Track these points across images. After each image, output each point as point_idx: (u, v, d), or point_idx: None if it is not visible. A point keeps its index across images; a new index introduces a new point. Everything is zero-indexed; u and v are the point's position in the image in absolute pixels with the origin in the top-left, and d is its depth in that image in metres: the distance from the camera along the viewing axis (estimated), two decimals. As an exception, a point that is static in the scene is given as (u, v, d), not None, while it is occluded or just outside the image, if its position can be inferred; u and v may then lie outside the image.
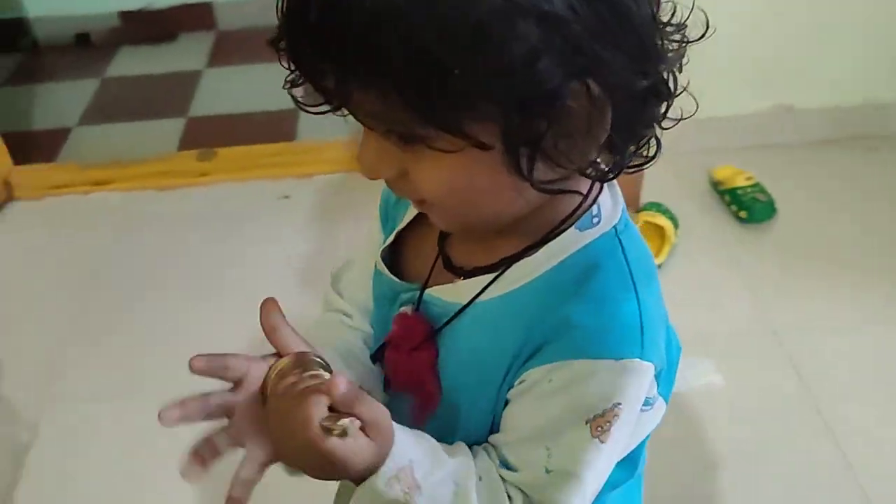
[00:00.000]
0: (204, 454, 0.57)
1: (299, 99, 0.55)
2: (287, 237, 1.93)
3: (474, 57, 0.44)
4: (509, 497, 0.57)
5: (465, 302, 0.61)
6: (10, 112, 2.50)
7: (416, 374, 0.64)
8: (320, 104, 0.52)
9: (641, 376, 0.56)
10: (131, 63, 2.76)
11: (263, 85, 2.52)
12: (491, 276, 0.60)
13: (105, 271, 1.88)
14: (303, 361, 0.58)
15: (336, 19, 0.45)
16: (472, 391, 0.62)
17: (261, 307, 0.58)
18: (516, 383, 0.59)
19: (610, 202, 0.60)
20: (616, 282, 0.58)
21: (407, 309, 0.65)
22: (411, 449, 0.55)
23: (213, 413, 0.58)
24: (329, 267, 0.78)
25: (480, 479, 0.57)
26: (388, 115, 0.48)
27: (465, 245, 0.64)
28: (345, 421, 0.50)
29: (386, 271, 0.67)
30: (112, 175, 2.14)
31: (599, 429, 0.57)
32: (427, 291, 0.64)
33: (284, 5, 0.48)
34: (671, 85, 0.52)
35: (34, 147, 2.31)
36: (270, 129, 2.31)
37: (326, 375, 0.57)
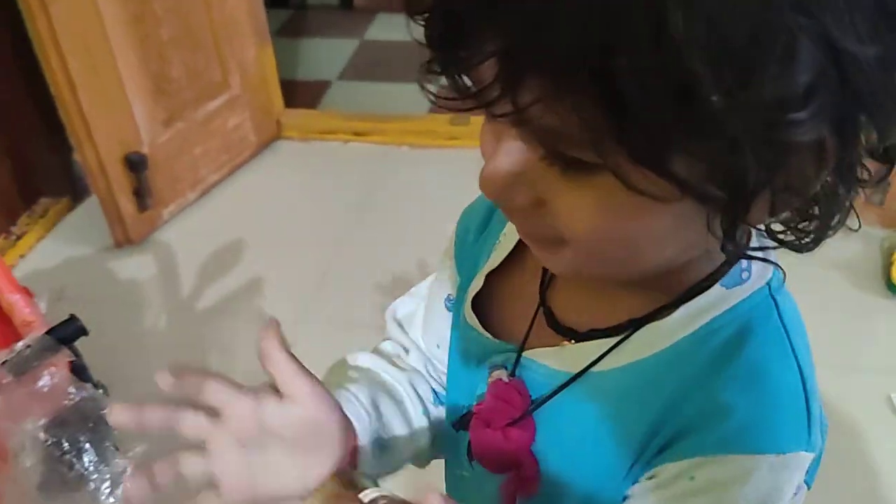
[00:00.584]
0: (159, 473, 0.47)
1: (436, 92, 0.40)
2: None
3: (737, 79, 0.31)
4: None
5: (576, 371, 0.49)
6: (278, 60, 2.69)
7: (510, 454, 0.53)
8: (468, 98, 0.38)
9: (803, 469, 0.46)
10: (388, 28, 2.88)
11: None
12: (612, 341, 0.49)
13: (361, 213, 1.98)
14: (349, 482, 0.51)
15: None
16: (579, 482, 0.51)
17: (260, 331, 0.48)
18: (643, 478, 0.48)
19: (760, 252, 0.47)
20: (775, 351, 0.47)
21: (502, 375, 0.53)
22: None
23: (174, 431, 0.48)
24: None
25: None
26: (569, 132, 0.35)
27: (575, 298, 0.52)
28: None
29: (479, 327, 0.55)
30: (370, 127, 2.25)
31: None
32: (525, 354, 0.52)
33: None
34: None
35: (298, 93, 2.47)
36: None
37: (381, 494, 0.50)
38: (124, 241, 1.87)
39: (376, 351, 0.65)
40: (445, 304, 0.62)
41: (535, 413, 0.51)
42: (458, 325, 0.59)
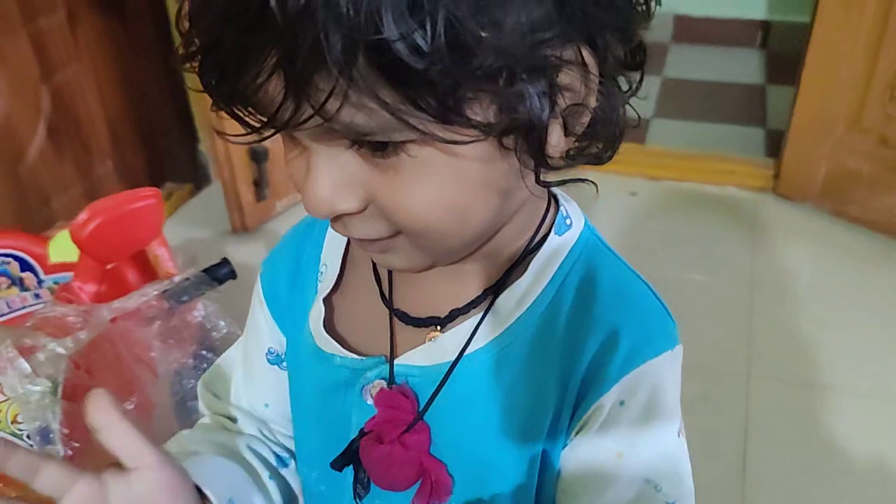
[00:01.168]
0: None
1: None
2: (630, 228, 1.99)
3: (493, 15, 0.34)
4: None
5: (452, 358, 0.48)
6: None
7: (413, 463, 0.50)
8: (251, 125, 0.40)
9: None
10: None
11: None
12: (476, 317, 0.48)
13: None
14: None
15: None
16: (489, 464, 0.49)
17: (87, 403, 0.43)
18: (574, 434, 0.48)
19: (564, 201, 0.51)
20: (620, 272, 0.50)
21: (382, 385, 0.51)
22: None
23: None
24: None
25: None
26: (373, 119, 0.36)
27: (424, 291, 0.51)
28: None
29: (341, 350, 0.52)
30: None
31: (681, 430, 0.50)
32: (397, 362, 0.50)
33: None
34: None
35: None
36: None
37: None
38: (240, 227, 2.00)
39: (201, 425, 0.61)
40: (267, 360, 0.59)
41: (426, 416, 0.49)
42: (301, 366, 0.56)
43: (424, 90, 0.34)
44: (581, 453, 0.48)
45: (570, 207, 0.52)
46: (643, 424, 0.47)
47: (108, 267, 0.94)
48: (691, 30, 2.87)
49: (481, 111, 0.36)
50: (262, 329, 0.59)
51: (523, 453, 0.48)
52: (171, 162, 2.18)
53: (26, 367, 0.74)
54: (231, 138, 0.41)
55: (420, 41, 0.32)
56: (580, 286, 0.49)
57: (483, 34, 0.33)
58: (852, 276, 1.77)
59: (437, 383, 0.48)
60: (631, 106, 0.44)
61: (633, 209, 2.05)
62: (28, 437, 0.78)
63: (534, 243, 0.49)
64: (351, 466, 0.52)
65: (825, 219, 1.93)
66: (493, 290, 0.49)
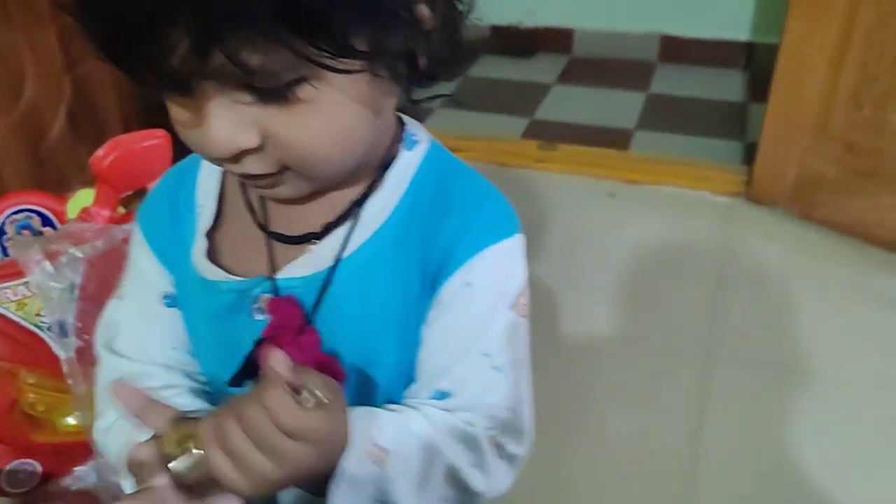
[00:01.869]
0: None
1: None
2: (608, 228, 2.11)
3: None
4: (470, 423, 0.55)
5: (329, 265, 0.55)
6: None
7: (309, 361, 0.54)
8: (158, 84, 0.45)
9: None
10: (493, 68, 3.13)
11: (605, 104, 2.78)
12: (345, 228, 0.55)
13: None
14: (181, 422, 0.49)
15: None
16: (374, 351, 0.57)
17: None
18: (430, 314, 0.56)
19: (407, 122, 0.59)
20: (467, 175, 0.59)
21: (268, 297, 0.56)
22: (360, 417, 0.51)
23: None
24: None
25: (431, 423, 0.54)
26: (256, 65, 0.42)
27: (297, 214, 0.57)
28: (313, 391, 0.46)
29: (225, 275, 0.57)
30: (464, 145, 2.45)
31: (521, 306, 0.58)
32: (278, 277, 0.56)
33: None
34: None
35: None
36: (605, 140, 2.52)
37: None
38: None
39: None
40: (165, 304, 0.62)
41: (314, 319, 0.55)
42: (191, 301, 0.60)
43: (321, 31, 0.41)
44: (435, 330, 0.56)
45: (414, 127, 0.60)
46: (484, 301, 0.56)
47: (123, 196, 1.07)
48: (677, 50, 3.01)
49: (365, 44, 0.44)
50: (150, 276, 0.62)
51: (400, 338, 0.56)
52: (177, 149, 2.31)
53: (50, 268, 0.87)
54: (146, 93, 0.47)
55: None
56: (434, 191, 0.57)
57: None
58: (818, 274, 1.89)
59: (319, 289, 0.55)
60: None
61: (610, 209, 2.18)
62: (49, 328, 0.90)
63: (389, 159, 0.57)
64: (249, 381, 0.56)
65: (794, 222, 2.05)
66: (358, 203, 0.56)
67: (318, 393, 0.45)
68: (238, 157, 0.48)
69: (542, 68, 3.09)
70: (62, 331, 0.88)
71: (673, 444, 1.46)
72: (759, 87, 2.81)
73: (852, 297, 1.80)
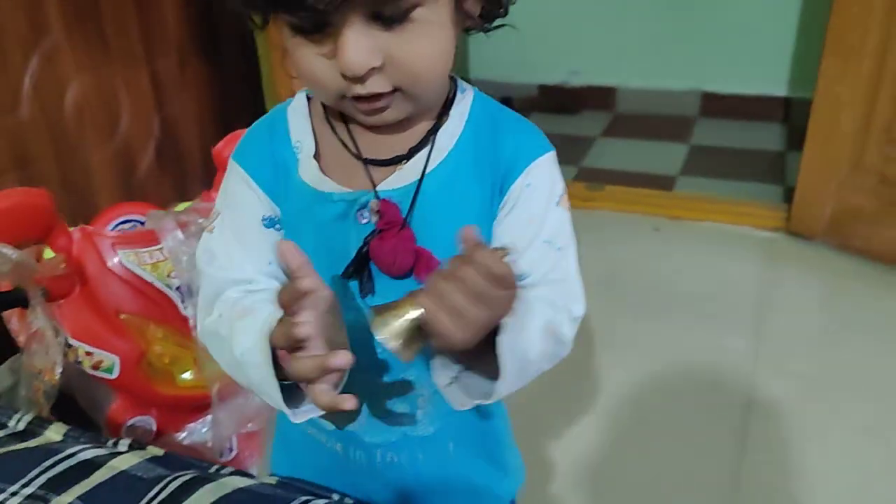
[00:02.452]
0: None
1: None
2: (653, 260, 2.22)
3: None
4: (545, 293, 0.68)
5: (417, 178, 0.68)
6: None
7: (409, 250, 0.67)
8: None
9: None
10: (541, 123, 3.27)
11: (649, 154, 2.92)
12: (425, 150, 0.69)
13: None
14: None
15: None
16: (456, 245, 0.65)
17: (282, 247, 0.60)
18: (501, 213, 0.70)
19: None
20: (509, 112, 0.74)
21: (376, 202, 0.68)
22: None
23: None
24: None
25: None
26: None
27: (384, 143, 0.69)
28: (501, 248, 0.58)
29: (337, 186, 0.69)
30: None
31: (565, 203, 0.73)
32: (378, 188, 0.68)
33: None
34: None
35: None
36: (650, 184, 2.64)
37: None
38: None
39: (238, 296, 0.70)
40: (263, 226, 0.72)
41: (409, 221, 0.68)
42: (300, 215, 0.70)
43: None
44: (505, 225, 0.71)
45: (460, 81, 0.75)
46: (540, 199, 0.70)
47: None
48: (718, 105, 3.15)
49: None
50: (250, 203, 0.72)
51: (480, 232, 0.65)
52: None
53: (181, 235, 1.01)
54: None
55: None
56: (488, 121, 0.72)
57: None
58: (855, 301, 1.96)
59: (412, 195, 0.69)
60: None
61: (655, 242, 2.29)
62: (178, 288, 1.04)
63: (449, 99, 0.72)
64: (360, 273, 0.69)
65: (832, 252, 2.14)
66: (433, 131, 0.70)
67: (503, 251, 0.57)
68: (365, 76, 0.61)
69: (587, 123, 3.26)
70: (189, 291, 1.02)
71: (713, 485, 1.47)
72: (797, 138, 2.92)
73: (892, 326, 1.87)
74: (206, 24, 2.30)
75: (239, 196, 0.73)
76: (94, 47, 1.94)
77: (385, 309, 0.58)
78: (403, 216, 0.68)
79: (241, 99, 2.42)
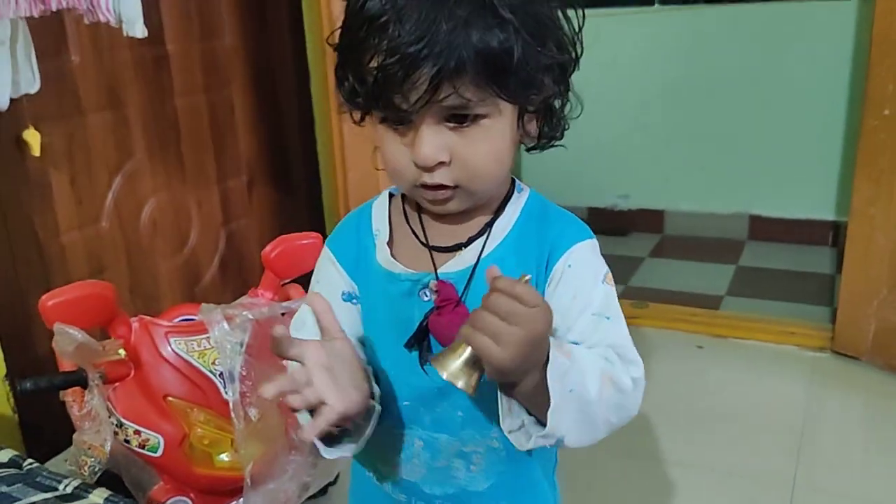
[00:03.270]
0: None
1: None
2: (694, 373, 2.23)
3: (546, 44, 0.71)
4: (605, 358, 0.73)
5: (472, 263, 0.77)
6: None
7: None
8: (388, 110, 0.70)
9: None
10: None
11: (696, 274, 2.96)
12: (482, 240, 0.78)
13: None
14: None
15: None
16: None
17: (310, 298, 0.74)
18: (546, 290, 0.76)
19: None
20: (558, 209, 0.83)
21: (435, 282, 0.77)
22: None
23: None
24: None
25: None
26: (471, 101, 0.67)
27: (445, 231, 0.79)
28: (523, 276, 0.65)
29: (404, 268, 0.79)
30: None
31: (610, 280, 0.80)
32: (439, 271, 0.78)
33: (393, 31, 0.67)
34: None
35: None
36: (695, 303, 2.68)
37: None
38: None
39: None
40: (342, 299, 0.83)
41: (464, 300, 0.77)
42: (375, 292, 0.81)
43: (511, 83, 0.70)
44: (552, 302, 0.74)
45: (518, 182, 0.85)
46: (584, 277, 0.79)
47: (282, 283, 1.33)
48: (766, 229, 3.20)
49: (536, 98, 0.74)
50: (335, 280, 0.84)
51: None
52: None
53: (227, 326, 1.13)
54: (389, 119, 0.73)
55: (512, 59, 0.68)
56: (538, 215, 0.82)
57: (542, 57, 0.71)
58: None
59: (467, 278, 0.79)
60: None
61: (697, 358, 2.31)
62: (220, 375, 1.14)
63: (508, 196, 0.82)
64: (420, 344, 0.78)
65: (877, 372, 2.12)
66: (490, 224, 0.81)
67: (527, 276, 0.65)
68: (433, 168, 0.72)
69: (636, 245, 3.34)
70: (230, 377, 1.12)
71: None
72: (845, 260, 2.94)
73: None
74: (276, 149, 2.51)
75: (326, 274, 0.85)
76: (171, 169, 2.15)
77: (442, 355, 0.66)
78: (459, 295, 0.77)
79: (301, 219, 2.60)
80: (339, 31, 0.76)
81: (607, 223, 3.47)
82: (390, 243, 0.83)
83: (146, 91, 2.07)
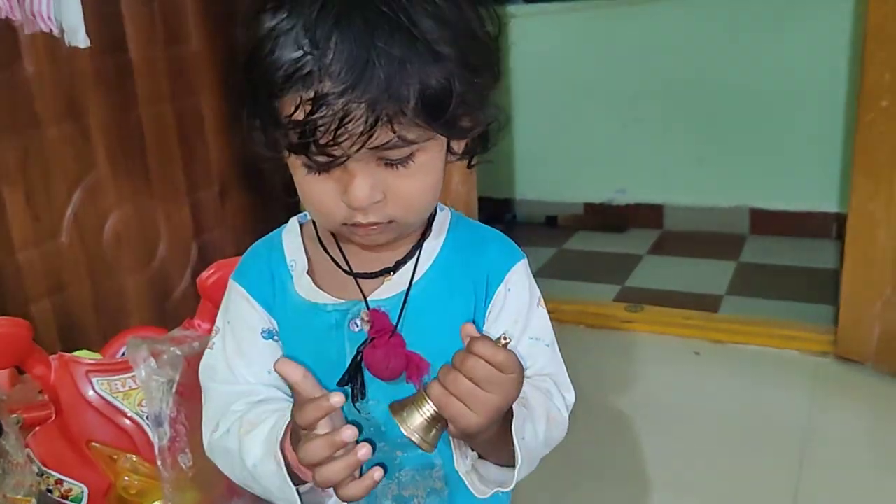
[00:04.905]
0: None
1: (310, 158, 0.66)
2: (691, 382, 2.12)
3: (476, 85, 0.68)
4: (541, 381, 0.77)
5: (404, 289, 0.75)
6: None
7: (401, 355, 0.72)
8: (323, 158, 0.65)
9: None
10: (586, 242, 3.29)
11: (695, 272, 2.85)
12: (410, 262, 0.76)
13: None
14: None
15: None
16: (446, 347, 0.68)
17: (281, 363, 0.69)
18: (488, 315, 0.77)
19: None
20: (484, 228, 0.82)
21: (366, 312, 0.74)
22: None
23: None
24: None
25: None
26: (409, 140, 0.64)
27: (366, 259, 0.76)
28: (500, 339, 0.63)
29: (330, 298, 0.75)
30: (553, 308, 2.56)
31: (542, 303, 0.80)
32: (369, 299, 0.75)
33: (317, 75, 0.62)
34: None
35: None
36: (694, 304, 2.57)
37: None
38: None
39: (252, 403, 0.76)
40: (262, 338, 0.78)
41: (398, 327, 0.74)
42: (296, 326, 0.76)
43: (450, 118, 0.66)
44: (496, 327, 0.77)
45: (438, 202, 0.82)
46: (522, 300, 0.78)
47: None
48: (767, 222, 3.09)
49: (461, 128, 0.70)
50: (250, 318, 0.79)
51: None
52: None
53: (154, 364, 1.04)
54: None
55: (451, 96, 0.65)
56: (465, 236, 0.80)
57: (480, 86, 0.68)
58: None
59: (400, 305, 0.75)
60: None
61: (695, 366, 2.20)
62: (147, 417, 1.05)
63: (431, 221, 0.79)
64: (355, 380, 0.74)
65: (882, 378, 2.01)
66: (417, 245, 0.78)
67: (504, 340, 0.63)
68: (367, 208, 0.68)
69: (634, 241, 3.23)
70: (157, 420, 1.04)
71: None
72: (850, 254, 2.82)
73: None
74: (249, 156, 2.41)
75: (239, 312, 0.79)
76: (136, 180, 2.06)
77: (403, 405, 0.63)
78: (393, 324, 0.74)
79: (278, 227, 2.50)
80: (242, 60, 0.68)
81: (605, 219, 3.37)
82: (310, 272, 0.78)
83: (108, 101, 1.97)
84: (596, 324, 2.47)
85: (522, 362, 0.70)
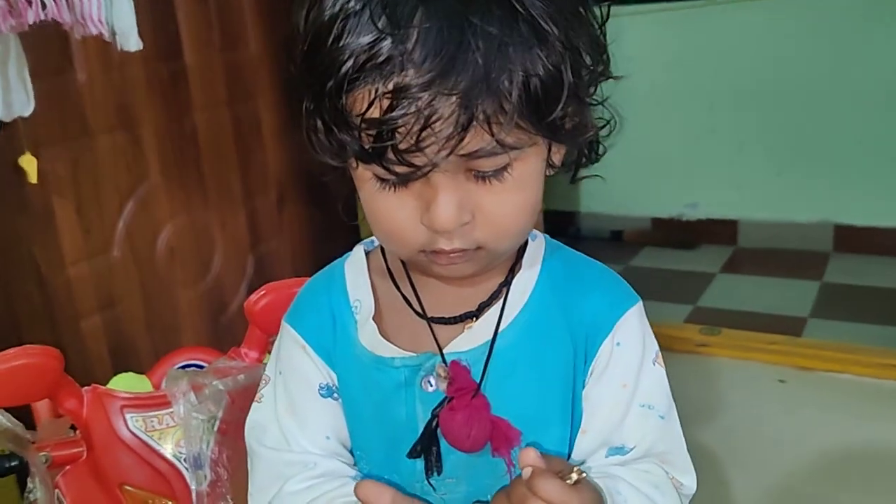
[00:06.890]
0: None
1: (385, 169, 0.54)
2: (776, 413, 1.95)
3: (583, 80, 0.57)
4: (650, 472, 0.63)
5: (488, 339, 0.62)
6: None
7: (485, 420, 0.61)
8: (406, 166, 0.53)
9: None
10: (654, 258, 3.12)
11: (774, 293, 2.67)
12: (496, 305, 0.63)
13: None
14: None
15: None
16: (539, 413, 0.62)
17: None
18: (588, 379, 0.64)
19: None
20: (586, 261, 0.69)
21: (443, 367, 0.62)
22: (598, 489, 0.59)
23: None
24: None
25: (633, 484, 0.61)
26: (508, 145, 0.53)
27: (445, 300, 0.64)
28: (570, 472, 0.54)
29: (398, 351, 0.63)
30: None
31: (660, 360, 0.66)
32: (445, 350, 0.62)
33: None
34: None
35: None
36: (775, 327, 2.39)
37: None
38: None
39: (300, 489, 0.65)
40: (320, 395, 0.67)
41: (483, 387, 0.61)
42: (359, 383, 0.65)
43: (560, 118, 0.55)
44: (597, 390, 0.64)
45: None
46: (634, 357, 0.64)
47: (271, 339, 1.13)
48: (853, 239, 2.89)
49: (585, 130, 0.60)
50: (307, 371, 0.67)
51: (560, 398, 0.62)
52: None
53: (194, 399, 0.93)
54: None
55: (562, 88, 0.54)
56: (563, 271, 0.66)
57: (581, 88, 0.57)
58: None
59: (484, 359, 0.62)
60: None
61: (780, 396, 2.02)
62: (185, 459, 0.94)
63: (522, 250, 0.67)
64: (428, 451, 0.63)
65: None
66: (505, 283, 0.65)
67: (574, 474, 0.53)
68: (452, 232, 0.56)
69: (705, 259, 3.05)
70: (197, 462, 0.93)
71: None
72: (948, 275, 2.61)
73: None
74: (308, 163, 2.32)
75: (293, 362, 0.68)
76: (191, 189, 1.98)
77: None
78: (476, 381, 0.61)
79: (337, 239, 2.40)
80: (301, 49, 0.55)
81: (674, 235, 3.20)
82: (377, 318, 0.65)
83: (162, 108, 1.90)
84: (667, 346, 2.28)
85: (631, 436, 0.62)
